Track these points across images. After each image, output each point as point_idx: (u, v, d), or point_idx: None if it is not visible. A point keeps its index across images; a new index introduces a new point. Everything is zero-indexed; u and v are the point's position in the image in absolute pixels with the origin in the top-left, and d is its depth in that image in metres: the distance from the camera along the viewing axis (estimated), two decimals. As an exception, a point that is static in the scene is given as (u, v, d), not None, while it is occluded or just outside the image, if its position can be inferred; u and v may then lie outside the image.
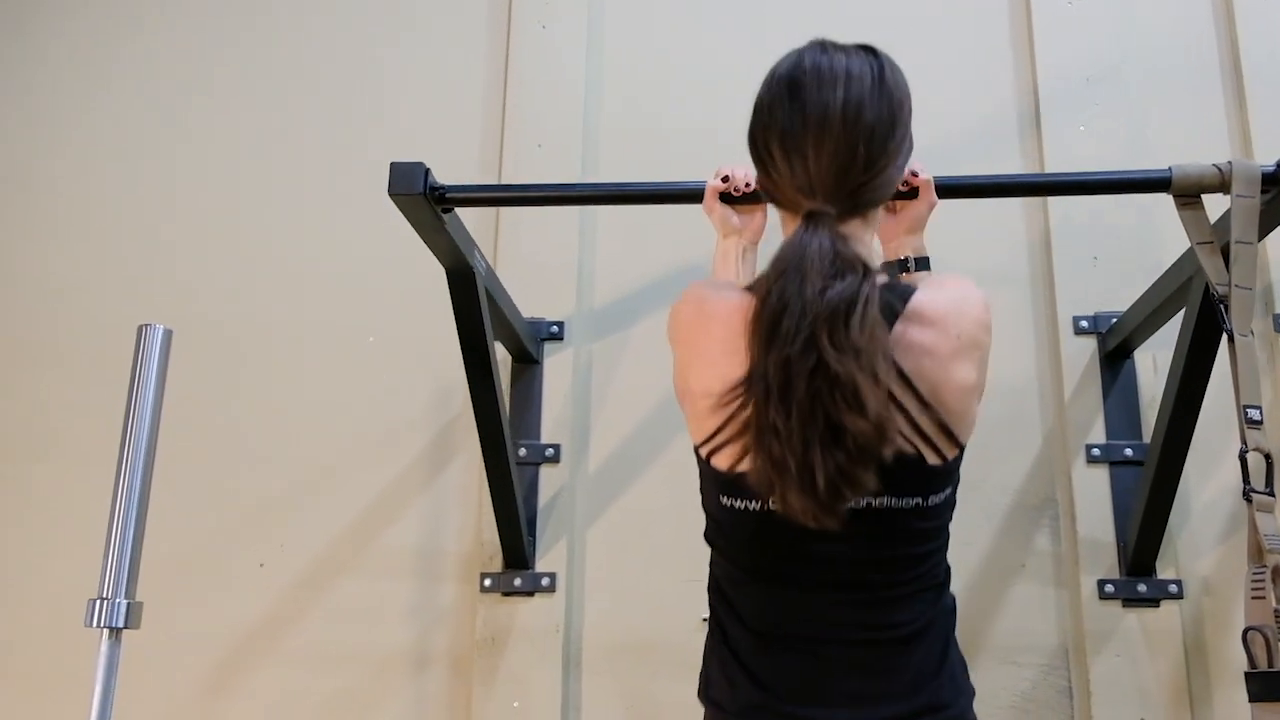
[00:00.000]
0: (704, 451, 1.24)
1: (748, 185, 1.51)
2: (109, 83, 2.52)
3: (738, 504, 1.21)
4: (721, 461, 1.21)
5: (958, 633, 1.93)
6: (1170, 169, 1.42)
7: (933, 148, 2.23)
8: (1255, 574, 1.27)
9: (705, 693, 1.28)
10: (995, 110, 2.27)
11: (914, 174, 1.48)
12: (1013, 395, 2.11)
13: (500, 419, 1.85)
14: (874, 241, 1.28)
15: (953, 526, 1.96)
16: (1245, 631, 1.26)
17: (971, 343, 1.20)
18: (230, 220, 2.38)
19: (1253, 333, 1.35)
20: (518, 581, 2.04)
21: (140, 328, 1.50)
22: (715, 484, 1.24)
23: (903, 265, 1.48)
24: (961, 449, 1.22)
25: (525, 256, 2.22)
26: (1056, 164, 2.16)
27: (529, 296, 2.17)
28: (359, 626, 2.10)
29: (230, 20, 2.54)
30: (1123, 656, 1.93)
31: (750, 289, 1.21)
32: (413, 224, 1.55)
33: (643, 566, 2.08)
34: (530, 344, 2.12)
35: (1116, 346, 2.03)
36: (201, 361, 2.26)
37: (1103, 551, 1.98)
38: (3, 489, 2.28)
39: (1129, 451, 2.00)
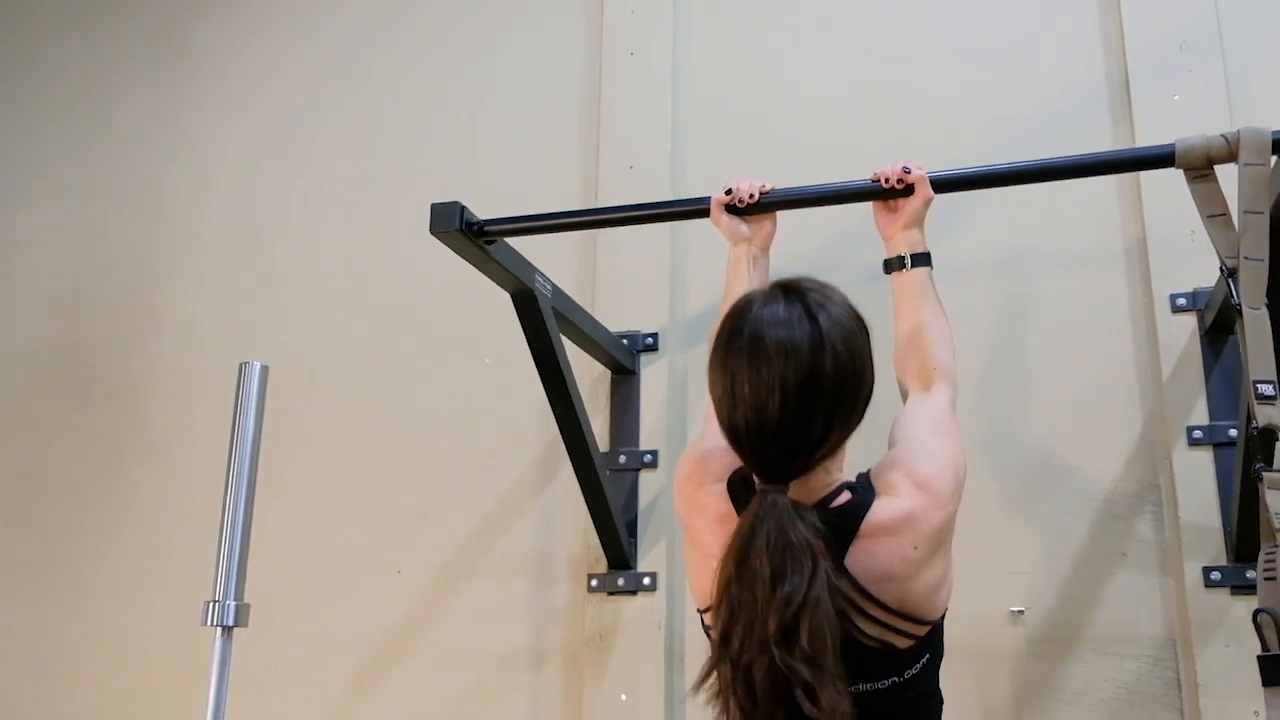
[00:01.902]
0: (704, 618, 1.36)
1: (752, 196, 1.57)
2: (231, 135, 2.85)
3: None
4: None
5: (1059, 625, 1.93)
6: (1174, 143, 1.39)
7: (1019, 124, 2.24)
8: (1267, 554, 1.23)
9: None
10: (1083, 83, 2.22)
11: (907, 170, 1.50)
12: (1109, 378, 2.05)
13: (582, 429, 1.98)
14: (837, 466, 1.33)
15: (1049, 515, 2.01)
16: (1256, 614, 1.23)
17: (933, 547, 1.26)
18: (356, 256, 2.64)
19: (1265, 306, 1.30)
20: (621, 581, 2.17)
21: (240, 365, 1.72)
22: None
23: (900, 262, 1.50)
24: (936, 623, 1.30)
25: (621, 273, 2.35)
26: (1148, 137, 2.07)
27: (626, 310, 2.30)
28: (483, 626, 2.28)
29: (339, 63, 2.82)
30: (1232, 646, 1.84)
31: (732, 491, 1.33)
32: (461, 257, 1.71)
33: (739, 564, 2.15)
34: (624, 356, 2.24)
35: (1215, 323, 1.94)
36: (339, 390, 2.53)
37: (1208, 537, 1.90)
38: (144, 504, 2.62)
39: (1233, 433, 1.91)
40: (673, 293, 2.32)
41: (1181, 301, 2.00)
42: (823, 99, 2.37)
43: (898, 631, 1.25)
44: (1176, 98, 2.11)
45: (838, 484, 1.31)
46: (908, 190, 1.53)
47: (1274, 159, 1.35)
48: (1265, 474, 1.25)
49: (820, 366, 1.20)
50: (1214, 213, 1.36)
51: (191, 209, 2.85)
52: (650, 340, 2.28)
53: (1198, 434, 1.94)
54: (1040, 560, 2.00)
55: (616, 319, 2.29)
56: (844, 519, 1.25)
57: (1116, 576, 1.97)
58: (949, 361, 1.44)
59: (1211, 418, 1.94)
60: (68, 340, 2.84)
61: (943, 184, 1.52)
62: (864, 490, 1.29)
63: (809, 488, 1.28)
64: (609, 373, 2.29)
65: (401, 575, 2.37)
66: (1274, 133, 1.33)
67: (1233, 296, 1.32)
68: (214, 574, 1.65)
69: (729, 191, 1.60)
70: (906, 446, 1.34)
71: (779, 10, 2.46)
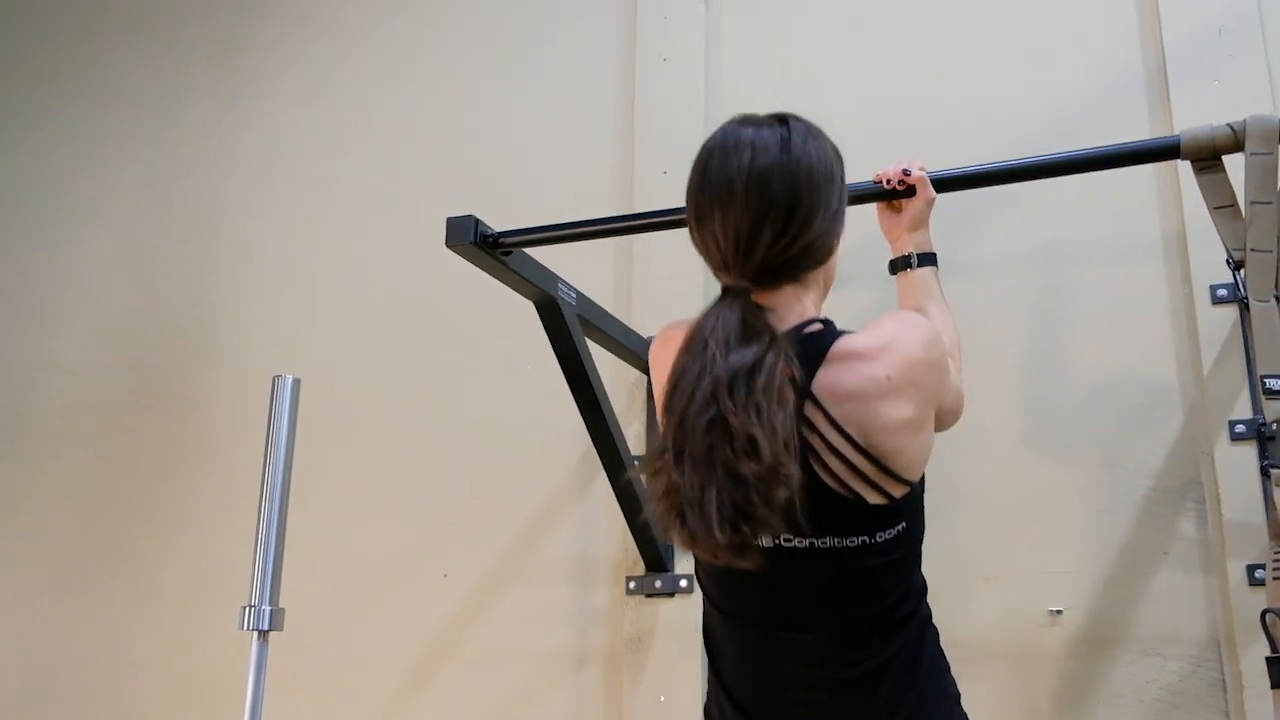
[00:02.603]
0: None
1: None
2: (280, 150, 2.94)
3: None
4: None
5: (1099, 625, 1.89)
6: (1179, 134, 1.36)
7: (1055, 113, 2.21)
8: (1275, 554, 1.20)
9: (706, 708, 1.37)
10: (1120, 71, 2.18)
11: (907, 173, 1.50)
12: (1148, 372, 2.01)
13: (612, 435, 2.00)
14: (812, 303, 1.31)
15: (1088, 513, 1.98)
16: (1264, 614, 1.20)
17: (906, 382, 1.20)
18: (400, 265, 2.70)
19: (1275, 299, 1.27)
20: (658, 584, 2.19)
21: (274, 378, 1.78)
22: None
23: (906, 262, 1.50)
24: (913, 487, 1.23)
25: (656, 277, 2.37)
26: (1187, 123, 1.99)
27: (661, 314, 2.30)
28: (525, 628, 2.32)
29: (380, 74, 2.90)
30: (1278, 646, 1.79)
31: None
32: (480, 269, 1.74)
33: (775, 566, 2.15)
34: (658, 360, 2.25)
35: (1257, 313, 1.88)
36: (386, 400, 2.60)
37: (1252, 534, 1.84)
38: (200, 512, 2.71)
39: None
40: (707, 296, 2.30)
41: (1222, 293, 1.94)
42: (857, 98, 2.36)
43: (865, 479, 1.19)
44: (1216, 82, 2.06)
45: (811, 316, 1.27)
46: (909, 191, 1.52)
47: (1283, 147, 1.31)
48: (1272, 471, 1.22)
49: (788, 158, 1.22)
50: (1221, 204, 1.34)
51: (244, 225, 2.94)
52: (685, 344, 2.29)
53: (1240, 428, 1.88)
54: (1079, 559, 1.97)
55: (652, 323, 2.30)
56: (813, 342, 1.22)
57: (1158, 575, 1.92)
58: (955, 356, 1.43)
59: (1255, 411, 1.88)
60: (130, 354, 2.95)
61: (944, 183, 1.51)
62: (841, 331, 1.26)
63: (777, 307, 1.25)
64: (645, 378, 2.31)
65: (448, 579, 2.42)
66: (1281, 120, 1.30)
67: (1240, 289, 1.29)
68: (250, 580, 1.71)
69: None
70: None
71: (811, 13, 2.45)
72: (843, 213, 1.29)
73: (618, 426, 2.04)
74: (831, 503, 1.18)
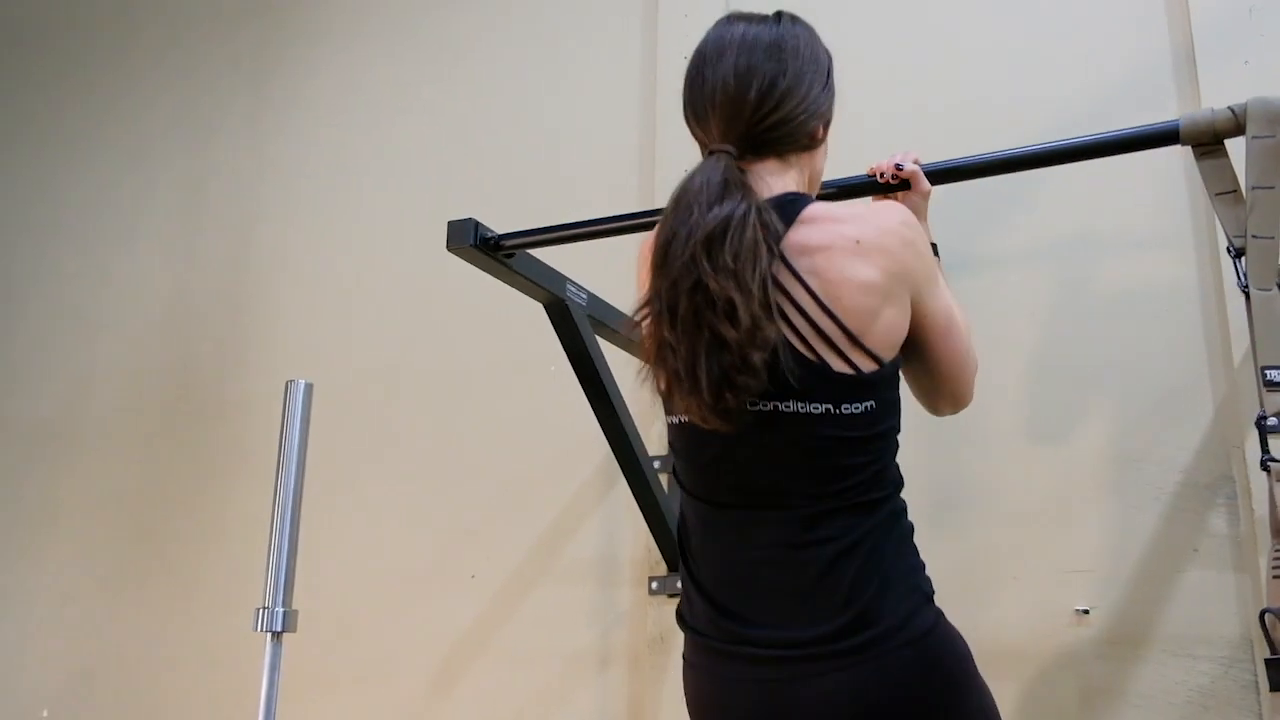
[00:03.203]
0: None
1: None
2: (310, 155, 2.98)
3: (669, 418, 1.32)
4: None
5: (1126, 624, 1.85)
6: (1179, 119, 1.31)
7: (1081, 93, 2.16)
8: (1276, 552, 1.16)
9: (678, 607, 1.38)
10: (1147, 52, 2.11)
11: (900, 166, 1.47)
12: (1177, 363, 1.95)
13: (627, 435, 2.00)
14: (794, 182, 1.33)
15: (1115, 510, 1.93)
16: (1262, 614, 1.16)
17: (876, 248, 1.22)
18: (424, 269, 2.72)
19: (1277, 287, 1.22)
20: (680, 584, 2.17)
21: (287, 383, 1.81)
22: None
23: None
24: (882, 366, 1.23)
25: (677, 277, 2.36)
26: (1217, 104, 1.96)
27: (682, 314, 2.31)
28: (551, 628, 2.33)
29: (403, 79, 2.95)
30: (1313, 647, 1.73)
31: None
32: (484, 271, 1.75)
33: (796, 565, 2.13)
34: (678, 359, 2.24)
35: (1289, 302, 1.82)
36: (413, 404, 2.63)
37: (1285, 531, 1.79)
38: (238, 514, 2.76)
39: (1310, 418, 1.79)
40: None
41: (1253, 281, 1.88)
42: (879, 90, 2.33)
43: (828, 342, 1.20)
44: (1246, 62, 1.99)
45: (792, 190, 1.31)
46: (903, 184, 1.49)
47: (1286, 129, 1.26)
48: (1271, 465, 1.17)
49: (777, 45, 1.29)
50: (1222, 190, 1.29)
51: (278, 233, 3.00)
52: (705, 342, 2.28)
53: (1273, 421, 1.81)
54: (1106, 557, 1.92)
55: (673, 322, 2.30)
56: (788, 207, 1.26)
57: (1188, 573, 1.87)
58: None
59: (1271, 404, 1.82)
60: (168, 361, 3.03)
61: (937, 176, 1.47)
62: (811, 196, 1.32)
63: (759, 173, 1.30)
64: (666, 376, 2.30)
65: (475, 580, 2.44)
66: (1283, 102, 1.25)
67: (1240, 278, 1.25)
68: (264, 581, 1.74)
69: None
70: None
71: (830, 9, 2.41)
72: (828, 103, 1.35)
73: (634, 427, 2.03)
74: (796, 364, 1.20)
